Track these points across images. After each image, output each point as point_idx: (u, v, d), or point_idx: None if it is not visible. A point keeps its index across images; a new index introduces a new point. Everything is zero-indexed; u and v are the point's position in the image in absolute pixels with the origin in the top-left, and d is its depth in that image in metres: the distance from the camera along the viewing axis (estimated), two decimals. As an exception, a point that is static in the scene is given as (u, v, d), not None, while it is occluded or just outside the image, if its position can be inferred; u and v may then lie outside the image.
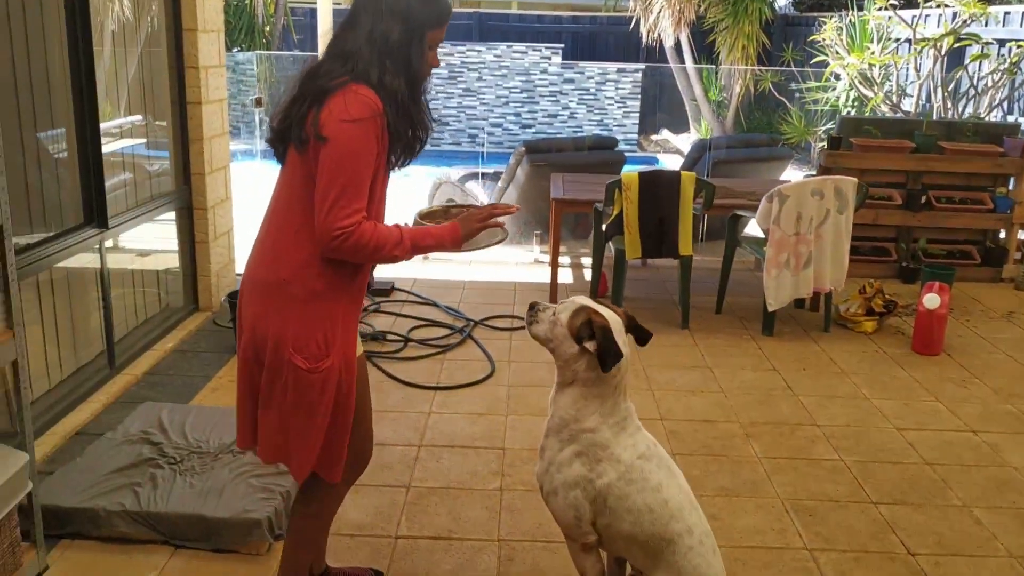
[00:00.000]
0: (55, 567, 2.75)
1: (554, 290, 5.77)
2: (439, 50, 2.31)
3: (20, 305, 2.60)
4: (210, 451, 3.28)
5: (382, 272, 6.32)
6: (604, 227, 5.37)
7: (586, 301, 2.31)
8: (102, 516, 2.87)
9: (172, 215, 5.07)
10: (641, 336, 2.37)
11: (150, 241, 5.04)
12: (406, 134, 2.21)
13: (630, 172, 5.05)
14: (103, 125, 4.32)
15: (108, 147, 4.36)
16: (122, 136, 4.62)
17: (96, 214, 4.13)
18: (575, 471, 2.27)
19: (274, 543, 2.87)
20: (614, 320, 2.27)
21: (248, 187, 6.47)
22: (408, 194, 9.74)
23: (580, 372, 2.26)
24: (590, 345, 2.21)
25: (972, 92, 8.29)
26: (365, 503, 3.20)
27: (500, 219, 2.31)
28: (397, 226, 2.21)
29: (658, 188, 5.00)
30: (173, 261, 5.19)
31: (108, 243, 4.29)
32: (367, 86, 2.12)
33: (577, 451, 2.27)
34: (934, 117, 7.96)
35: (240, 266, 4.06)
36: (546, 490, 2.34)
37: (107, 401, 3.98)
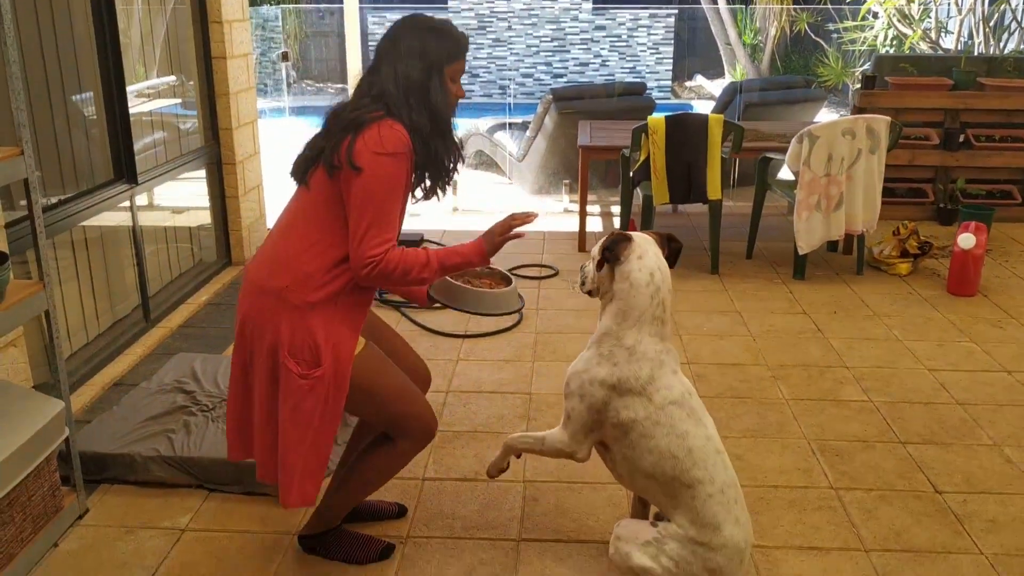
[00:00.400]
0: (95, 510, 2.85)
1: (582, 239, 5.75)
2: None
3: (47, 259, 2.66)
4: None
5: (411, 224, 6.34)
6: (631, 173, 5.33)
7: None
8: (138, 462, 2.96)
9: (202, 172, 5.12)
10: (674, 248, 2.43)
11: (182, 198, 5.11)
12: (431, 166, 2.33)
13: (656, 116, 4.99)
14: (134, 86, 4.38)
15: (138, 107, 4.42)
16: (152, 96, 4.67)
17: (126, 170, 4.19)
18: (604, 393, 2.29)
19: (304, 486, 2.94)
20: (640, 238, 2.34)
21: (277, 143, 6.51)
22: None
23: (613, 285, 2.33)
24: (604, 257, 2.33)
25: (1015, 26, 8.02)
26: (393, 447, 3.25)
27: (521, 229, 2.39)
28: (425, 250, 2.30)
29: (685, 132, 4.93)
30: (205, 217, 5.26)
31: (140, 200, 4.35)
32: (398, 122, 2.23)
33: (611, 373, 2.28)
34: (975, 53, 7.73)
35: (271, 220, 4.11)
36: (571, 388, 2.36)
37: (143, 353, 4.07)
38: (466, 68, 2.40)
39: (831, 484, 3.03)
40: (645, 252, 2.31)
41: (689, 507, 2.23)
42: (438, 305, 2.69)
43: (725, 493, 2.25)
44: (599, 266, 2.34)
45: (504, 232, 2.37)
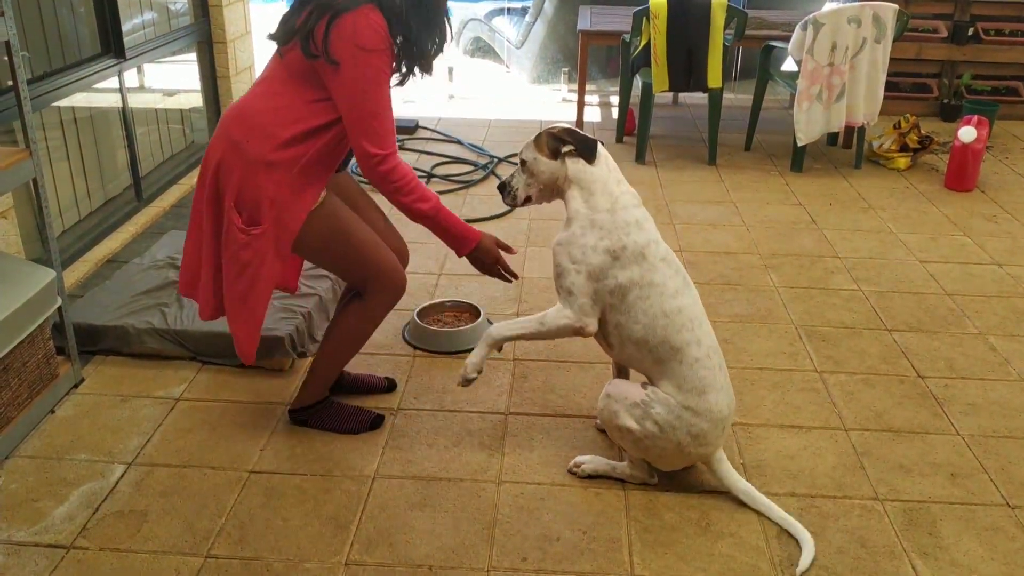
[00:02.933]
0: (90, 379, 2.89)
1: (580, 127, 5.67)
2: None
3: (37, 137, 2.62)
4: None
5: (406, 111, 6.26)
6: (631, 59, 5.22)
7: (541, 131, 2.39)
8: (132, 333, 2.99)
9: (193, 54, 5.01)
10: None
11: (173, 79, 5.01)
12: (409, 51, 2.28)
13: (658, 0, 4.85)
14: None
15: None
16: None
17: (113, 44, 4.09)
18: (600, 259, 2.27)
19: (296, 359, 2.99)
20: (568, 124, 2.39)
21: (270, 21, 6.34)
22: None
23: (569, 174, 2.34)
24: (567, 149, 2.32)
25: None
26: (385, 325, 3.23)
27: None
28: (433, 195, 2.37)
29: (687, 16, 4.81)
30: (197, 99, 5.17)
31: (131, 82, 4.27)
32: (371, 5, 2.16)
33: (602, 238, 2.27)
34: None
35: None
36: (563, 264, 2.31)
37: (135, 232, 4.07)
38: None
39: (815, 367, 3.07)
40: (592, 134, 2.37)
41: (676, 372, 2.27)
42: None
43: (711, 358, 2.29)
44: (553, 156, 2.33)
45: (494, 263, 2.51)
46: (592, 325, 2.32)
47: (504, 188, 2.46)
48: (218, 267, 2.38)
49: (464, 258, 2.52)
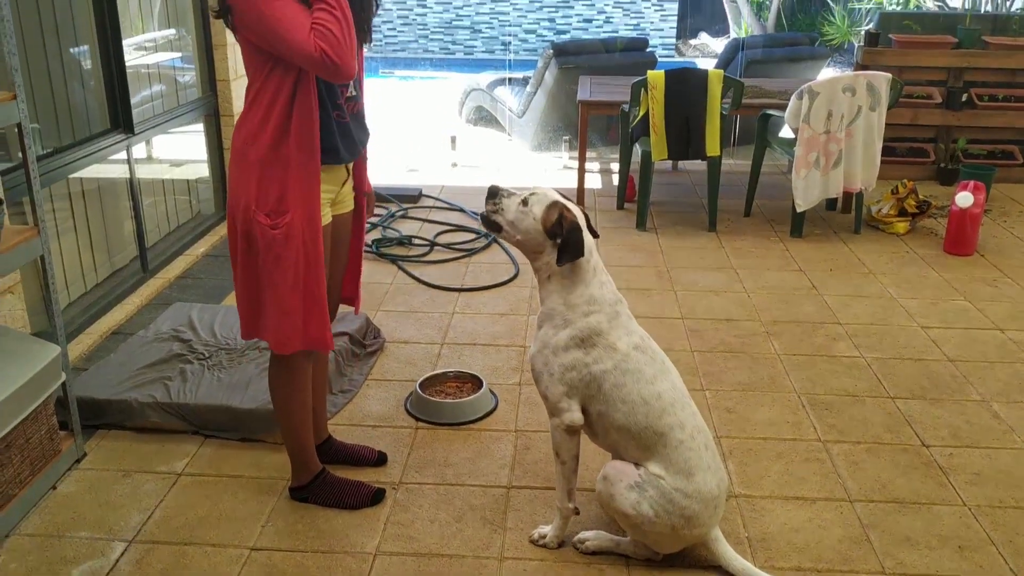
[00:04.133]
0: (92, 454, 2.89)
1: (581, 195, 5.74)
2: None
3: (45, 210, 2.66)
4: (237, 348, 3.38)
5: (410, 179, 6.35)
6: (630, 128, 5.31)
7: (555, 195, 2.33)
8: (135, 407, 2.99)
9: (200, 125, 5.11)
10: (592, 233, 2.36)
11: (180, 150, 5.10)
12: None
13: (656, 71, 4.95)
14: (133, 39, 4.36)
15: (137, 60, 4.40)
16: (150, 49, 4.65)
17: (122, 120, 4.18)
18: (572, 355, 2.30)
19: (299, 433, 2.99)
20: (580, 216, 2.31)
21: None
22: (440, 102, 9.66)
23: (552, 265, 2.29)
24: (558, 240, 2.25)
25: (1023, -16, 7.92)
26: (387, 396, 3.29)
27: None
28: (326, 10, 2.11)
29: (685, 87, 4.90)
30: (203, 169, 5.26)
31: (139, 153, 4.35)
32: None
33: (572, 336, 2.29)
34: (981, 11, 7.64)
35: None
36: (538, 370, 2.36)
37: (141, 303, 4.10)
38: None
39: (819, 436, 3.06)
40: (583, 228, 2.29)
41: (662, 455, 2.27)
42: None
43: (695, 439, 2.29)
44: (550, 236, 2.25)
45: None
46: (576, 415, 2.33)
47: (494, 195, 2.37)
48: (253, 282, 2.36)
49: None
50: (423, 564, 2.39)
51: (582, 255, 2.26)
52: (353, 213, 2.60)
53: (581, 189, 5.75)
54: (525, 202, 2.31)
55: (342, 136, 2.37)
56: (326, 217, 2.40)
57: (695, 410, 2.37)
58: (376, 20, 2.44)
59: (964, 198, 4.75)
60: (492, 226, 2.38)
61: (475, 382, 3.32)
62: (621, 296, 2.37)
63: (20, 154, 2.60)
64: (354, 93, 2.39)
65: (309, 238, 2.30)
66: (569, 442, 2.38)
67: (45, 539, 2.47)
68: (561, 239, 2.25)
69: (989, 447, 3.01)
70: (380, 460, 2.84)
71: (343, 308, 2.77)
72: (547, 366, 2.33)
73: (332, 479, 2.64)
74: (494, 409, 3.20)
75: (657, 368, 2.33)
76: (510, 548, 2.46)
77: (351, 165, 2.50)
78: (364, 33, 2.36)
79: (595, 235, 2.38)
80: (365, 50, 2.48)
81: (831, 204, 5.66)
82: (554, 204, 2.29)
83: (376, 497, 2.64)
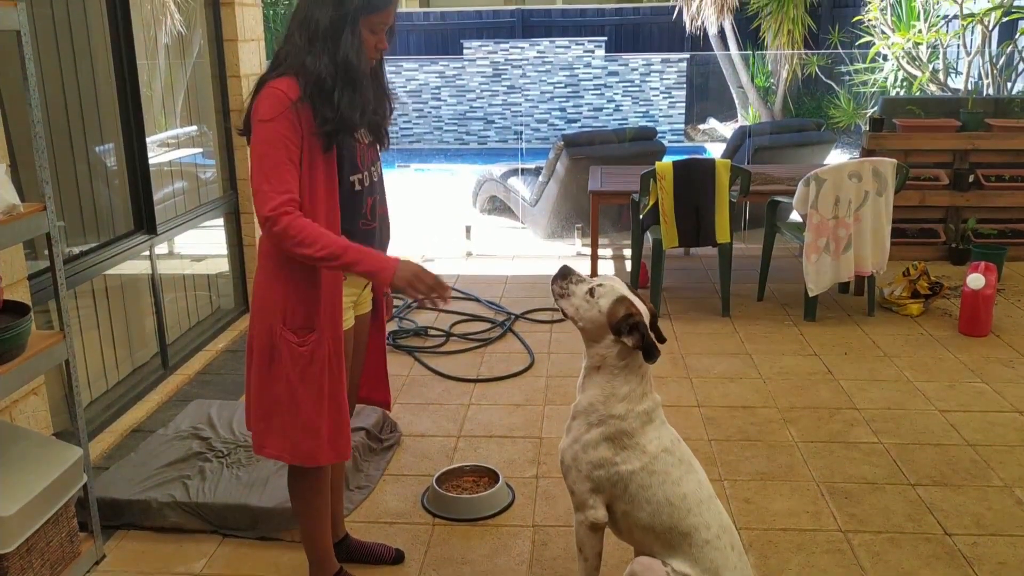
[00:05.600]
0: (112, 556, 2.90)
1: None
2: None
3: (69, 309, 2.74)
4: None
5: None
6: (641, 217, 5.40)
7: (624, 290, 2.32)
8: (154, 507, 3.01)
9: (220, 220, 5.24)
10: (657, 336, 2.33)
11: (200, 247, 5.23)
12: (335, 119, 2.23)
13: (664, 162, 5.07)
14: (155, 136, 4.52)
15: (159, 157, 4.55)
16: (172, 146, 4.81)
17: (145, 221, 4.31)
18: (600, 453, 2.32)
19: (316, 531, 2.98)
20: (647, 315, 2.30)
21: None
22: (453, 192, 9.86)
23: (609, 359, 2.29)
24: (628, 340, 2.24)
25: (1022, 67, 8.09)
26: (404, 491, 3.29)
27: (437, 300, 2.30)
28: (339, 239, 2.22)
29: (692, 176, 5.01)
30: (223, 265, 5.37)
31: (160, 249, 4.47)
32: (289, 75, 2.21)
33: (604, 434, 2.32)
34: (984, 94, 7.79)
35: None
36: (567, 463, 2.37)
37: (161, 400, 4.15)
38: (392, 21, 2.30)
39: (840, 526, 3.03)
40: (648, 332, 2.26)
41: (687, 555, 2.26)
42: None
43: (720, 539, 2.27)
44: (614, 332, 2.24)
45: (430, 285, 2.25)
46: (601, 513, 2.33)
47: (565, 276, 2.35)
48: (269, 398, 2.38)
49: (393, 293, 2.37)
50: (441, 666, 2.36)
51: (659, 352, 2.26)
52: (372, 313, 2.66)
53: (594, 276, 5.81)
54: (592, 292, 2.29)
55: (369, 242, 2.42)
56: (348, 321, 2.45)
57: (721, 509, 2.36)
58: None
59: (975, 280, 4.78)
60: (563, 311, 2.36)
61: (492, 476, 3.32)
62: (659, 401, 2.38)
63: (47, 256, 2.69)
64: (377, 200, 2.47)
65: (334, 352, 2.35)
66: (592, 539, 2.38)
67: (63, 645, 2.47)
68: (643, 343, 2.23)
69: (1013, 535, 2.97)
70: (397, 558, 2.83)
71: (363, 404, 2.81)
72: (576, 461, 2.34)
73: (349, 578, 2.64)
74: (511, 503, 3.20)
75: (684, 469, 2.33)
76: (529, 648, 2.43)
77: None
78: (381, 138, 2.46)
79: (662, 339, 2.33)
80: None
81: (843, 287, 5.69)
82: (621, 299, 2.27)
83: (394, 596, 2.62)
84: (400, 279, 2.21)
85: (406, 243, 7.28)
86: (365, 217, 2.42)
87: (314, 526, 2.56)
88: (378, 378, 2.75)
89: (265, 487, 3.08)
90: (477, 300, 5.67)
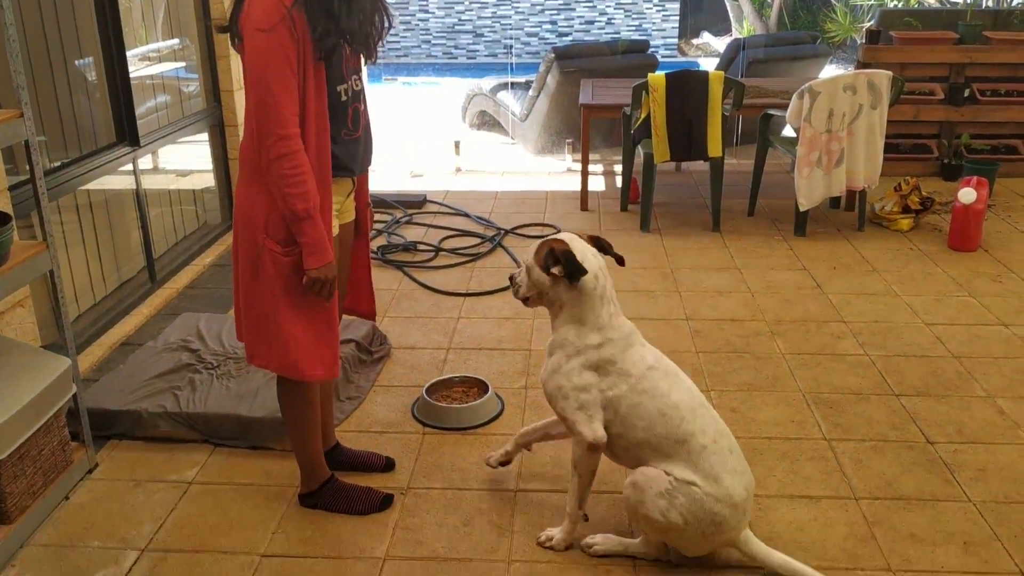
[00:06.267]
0: (104, 464, 2.92)
1: (584, 197, 5.76)
2: None
3: (53, 223, 2.70)
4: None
5: (414, 185, 6.38)
6: (632, 131, 5.33)
7: (551, 237, 2.43)
8: (145, 417, 3.03)
9: (205, 135, 5.15)
10: (615, 257, 2.47)
11: (185, 161, 5.14)
12: (339, 29, 2.19)
13: (657, 74, 4.97)
14: (136, 50, 4.40)
15: (141, 71, 4.44)
16: (154, 60, 4.69)
17: (128, 133, 4.22)
18: (585, 379, 2.36)
19: (307, 440, 3.01)
20: (577, 242, 2.38)
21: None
22: (442, 106, 9.71)
23: (562, 297, 2.37)
24: (556, 270, 2.33)
25: (1024, -22, 7.92)
26: (394, 402, 3.32)
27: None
28: (316, 204, 2.21)
29: (685, 89, 4.93)
30: (209, 180, 5.30)
31: (144, 164, 4.39)
32: None
33: (585, 363, 2.36)
34: (983, 6, 7.64)
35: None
36: (551, 393, 2.42)
37: (149, 314, 4.14)
38: None
39: (824, 435, 3.08)
40: (585, 255, 2.34)
41: (687, 461, 2.29)
42: None
43: (718, 443, 2.31)
44: (545, 271, 2.35)
45: (321, 294, 2.30)
46: (599, 432, 2.36)
47: (512, 280, 2.51)
48: (259, 308, 2.37)
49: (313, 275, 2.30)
50: (432, 568, 2.42)
51: (585, 271, 2.31)
52: (356, 226, 2.63)
53: (585, 192, 5.77)
54: (527, 266, 2.43)
55: (353, 151, 2.40)
56: (334, 229, 2.42)
57: (715, 415, 2.39)
58: None
59: (967, 194, 4.76)
60: (526, 302, 2.49)
61: (481, 387, 3.34)
62: (634, 327, 2.41)
63: (28, 169, 2.64)
64: (361, 110, 2.42)
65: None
66: (590, 459, 2.41)
67: (59, 549, 2.51)
68: (566, 269, 2.31)
69: (993, 443, 3.02)
70: (388, 466, 2.87)
71: (349, 316, 2.80)
72: (560, 389, 2.38)
73: (341, 485, 2.67)
74: (500, 413, 3.23)
75: (672, 381, 2.37)
76: (518, 551, 2.48)
77: (356, 177, 2.53)
78: (370, 51, 2.38)
79: (620, 261, 2.46)
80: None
81: (834, 202, 5.67)
82: (542, 244, 2.40)
83: (385, 502, 2.66)
84: (317, 272, 2.26)
85: (394, 158, 7.20)
86: (348, 127, 2.37)
87: (304, 436, 2.58)
88: (362, 289, 2.74)
89: (255, 398, 3.09)
90: (467, 215, 5.63)
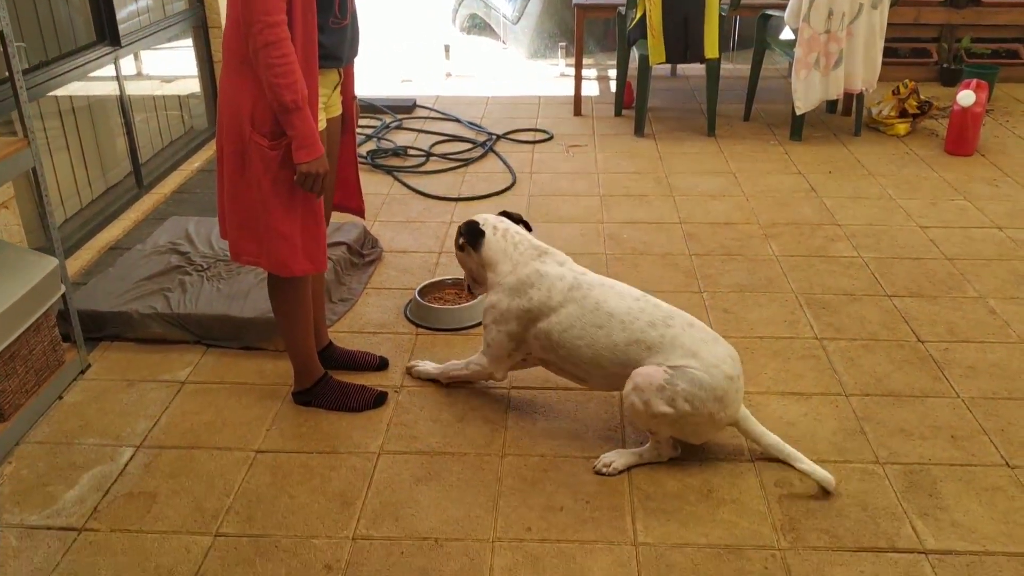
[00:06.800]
0: (97, 365, 2.92)
1: (578, 102, 5.66)
2: None
3: (36, 128, 2.63)
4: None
5: (404, 90, 6.26)
6: (627, 31, 5.20)
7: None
8: (136, 318, 3.01)
9: (189, 40, 5.01)
10: (526, 227, 2.70)
11: (170, 66, 5.01)
12: None
13: (653, -29, 4.82)
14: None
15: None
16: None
17: (108, 32, 4.10)
18: (515, 323, 2.51)
19: (300, 341, 3.01)
20: (484, 217, 2.62)
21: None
22: (431, 9, 9.45)
23: (478, 259, 2.60)
24: (462, 241, 2.62)
25: None
26: (387, 304, 3.31)
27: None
28: (305, 96, 2.16)
29: (682, -13, 4.78)
30: (194, 85, 5.18)
31: (129, 70, 4.27)
32: None
33: (511, 302, 2.50)
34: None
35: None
36: (487, 320, 2.58)
37: (137, 218, 4.09)
38: None
39: (816, 334, 3.09)
40: (486, 221, 2.59)
41: (661, 354, 2.31)
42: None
43: (671, 326, 2.37)
44: (462, 248, 2.60)
45: (313, 189, 2.26)
46: (499, 373, 2.62)
47: (468, 290, 2.78)
48: (244, 203, 2.34)
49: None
50: (426, 461, 2.44)
51: (482, 234, 2.57)
52: (343, 121, 2.57)
53: (578, 96, 5.66)
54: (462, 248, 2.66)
55: (340, 40, 2.33)
56: (321, 123, 2.37)
57: (657, 301, 2.44)
58: None
59: (966, 96, 4.69)
60: (471, 288, 2.75)
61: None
62: (539, 250, 2.56)
63: (6, 65, 2.55)
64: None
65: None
66: (478, 378, 2.72)
67: (54, 446, 2.52)
68: (468, 238, 2.60)
69: (984, 341, 3.04)
70: (381, 365, 2.88)
71: (343, 218, 2.77)
72: (495, 322, 2.56)
73: (335, 383, 2.68)
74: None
75: (598, 293, 2.44)
76: (511, 445, 2.51)
77: (343, 68, 2.46)
78: None
79: (528, 227, 2.70)
80: None
81: (831, 107, 5.59)
82: (457, 231, 2.66)
83: (379, 400, 2.68)
84: (308, 166, 2.22)
85: (383, 62, 7.04)
86: (335, 15, 2.29)
87: (296, 334, 2.57)
88: (350, 185, 2.69)
89: (246, 298, 3.07)
90: (457, 120, 5.53)
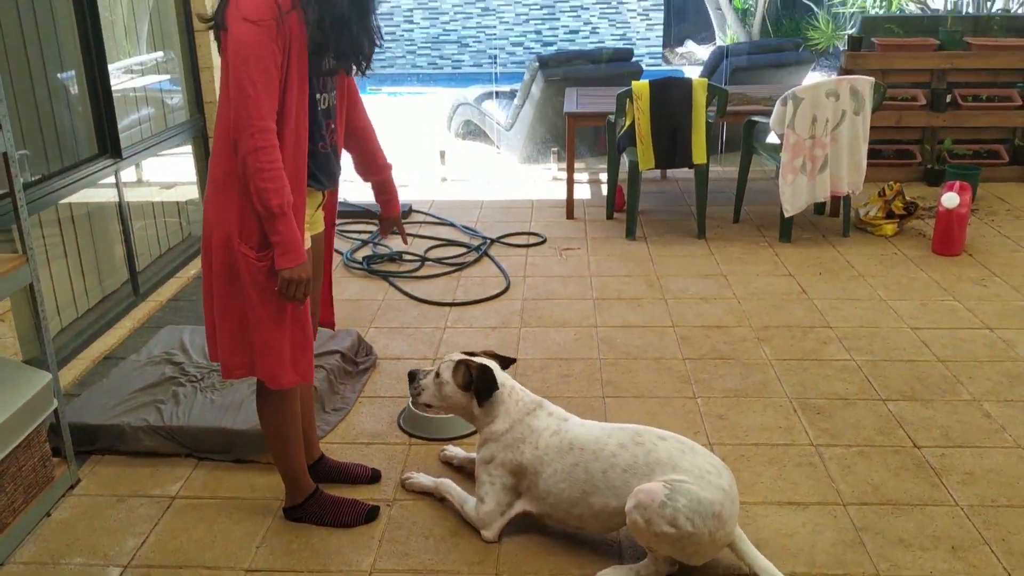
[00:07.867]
0: (86, 480, 2.89)
1: (570, 206, 5.76)
2: None
3: (34, 237, 2.67)
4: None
5: (400, 195, 6.35)
6: (617, 139, 5.34)
7: (458, 355, 2.67)
8: (128, 432, 3.00)
9: (189, 147, 5.12)
10: (506, 362, 2.75)
11: (169, 173, 5.12)
12: (333, 45, 2.21)
13: (641, 81, 4.98)
14: (120, 63, 4.38)
15: (124, 83, 4.42)
16: (138, 72, 4.67)
17: (110, 145, 4.19)
18: (507, 477, 2.56)
19: (292, 453, 2.99)
20: (487, 361, 2.65)
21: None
22: (427, 116, 9.71)
23: (475, 410, 2.62)
24: (469, 384, 2.60)
25: (1003, -15, 7.99)
26: (380, 413, 3.30)
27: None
28: (290, 203, 2.18)
29: (669, 96, 4.93)
30: (192, 191, 5.27)
31: (128, 177, 4.36)
32: None
33: (504, 458, 2.55)
34: (964, 12, 7.70)
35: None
36: (480, 478, 2.59)
37: (133, 327, 4.10)
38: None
39: (811, 441, 3.07)
40: (503, 384, 2.61)
41: (655, 475, 2.31)
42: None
43: (659, 445, 2.39)
44: (465, 389, 2.59)
45: (296, 295, 2.26)
46: (489, 535, 2.55)
47: (413, 378, 2.71)
48: (234, 319, 2.35)
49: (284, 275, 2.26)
50: (418, 580, 2.39)
51: (496, 388, 2.58)
52: (323, 235, 2.63)
53: (570, 200, 5.77)
54: (438, 374, 2.64)
55: (325, 165, 2.39)
56: (306, 242, 2.41)
57: (637, 428, 2.48)
58: None
59: (950, 199, 4.79)
60: (426, 407, 2.74)
61: None
62: (535, 404, 2.61)
63: (7, 181, 2.61)
64: (334, 127, 2.43)
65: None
66: (468, 522, 2.64)
67: (40, 567, 2.47)
68: (474, 385, 2.58)
69: (980, 446, 3.03)
70: (374, 478, 2.85)
71: (337, 325, 2.79)
72: (489, 476, 2.58)
73: (326, 498, 2.64)
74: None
75: (584, 430, 2.51)
76: (505, 562, 2.46)
77: (326, 191, 2.52)
78: (361, 65, 2.38)
79: (509, 361, 2.76)
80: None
81: (819, 208, 5.69)
82: (459, 363, 2.62)
83: (371, 514, 2.64)
84: (290, 272, 2.23)
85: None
86: (324, 140, 2.37)
87: (285, 448, 2.56)
88: (325, 302, 2.73)
89: (239, 410, 3.06)
90: (452, 225, 5.62)
